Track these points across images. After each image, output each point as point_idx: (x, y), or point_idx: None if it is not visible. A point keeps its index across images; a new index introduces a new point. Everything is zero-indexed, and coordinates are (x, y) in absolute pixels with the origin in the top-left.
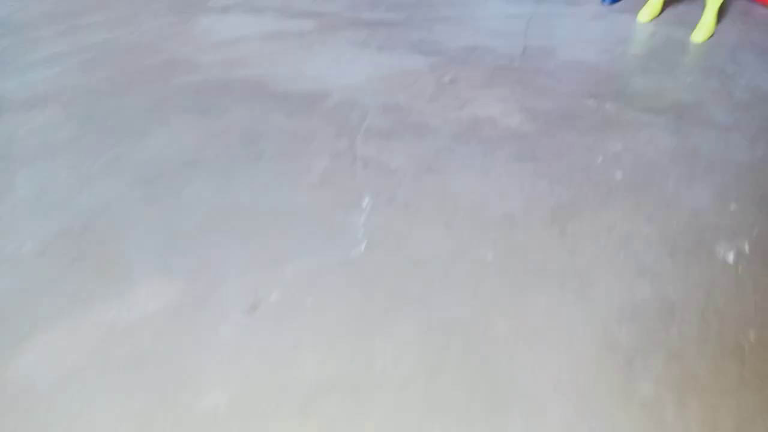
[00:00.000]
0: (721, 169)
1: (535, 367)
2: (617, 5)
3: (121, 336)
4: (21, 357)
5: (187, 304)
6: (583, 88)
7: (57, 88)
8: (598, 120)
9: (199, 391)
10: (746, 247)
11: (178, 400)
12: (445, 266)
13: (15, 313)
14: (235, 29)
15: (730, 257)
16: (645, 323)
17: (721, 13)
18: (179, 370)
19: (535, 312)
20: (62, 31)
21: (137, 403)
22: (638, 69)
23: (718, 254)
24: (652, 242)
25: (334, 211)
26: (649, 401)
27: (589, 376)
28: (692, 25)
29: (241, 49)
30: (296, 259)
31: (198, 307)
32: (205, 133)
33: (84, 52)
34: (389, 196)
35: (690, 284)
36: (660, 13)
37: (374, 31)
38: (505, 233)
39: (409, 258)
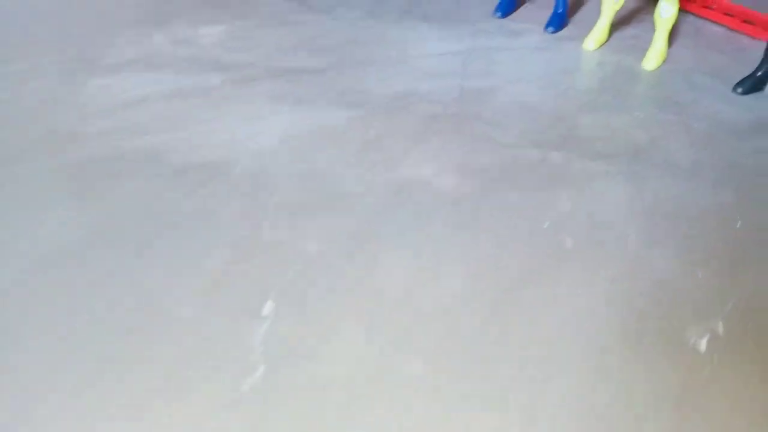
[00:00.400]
0: (684, 223)
1: None
2: (561, 33)
3: None
4: None
5: None
6: (527, 134)
7: None
8: (544, 174)
9: None
10: (720, 328)
11: None
12: (363, 388)
13: None
14: (131, 90)
15: (702, 344)
16: None
17: (673, 33)
18: None
19: None
20: None
21: None
22: (586, 106)
23: (689, 341)
24: (612, 329)
25: (226, 326)
26: None
27: None
28: (643, 51)
29: (136, 114)
30: (166, 406)
31: None
32: (85, 222)
33: None
34: (298, 297)
35: (659, 385)
36: (607, 39)
37: (294, 81)
38: (438, 333)
39: (318, 381)
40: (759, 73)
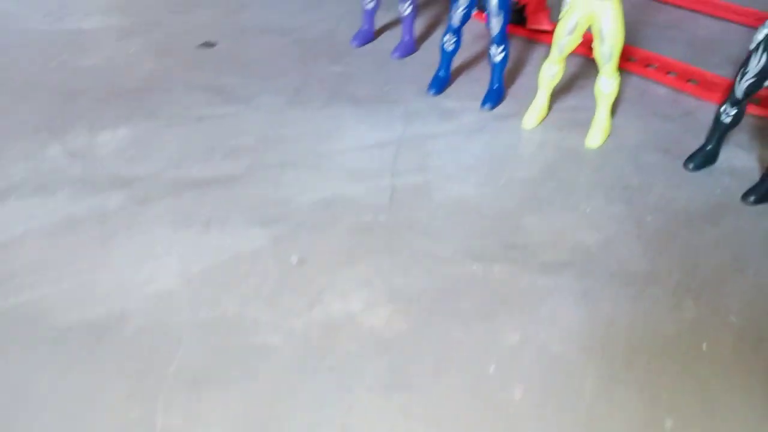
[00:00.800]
0: (645, 352)
1: None
2: (499, 109)
3: None
4: None
5: None
6: (466, 244)
7: None
8: (487, 296)
9: None
10: None
11: None
12: None
13: None
14: (9, 226)
15: None
16: None
17: (616, 97)
18: None
19: None
20: None
21: None
22: (529, 202)
23: None
24: None
25: None
26: None
27: None
28: (585, 124)
29: (10, 261)
30: None
31: None
32: None
33: None
34: None
35: None
36: (547, 113)
37: (203, 195)
38: None
39: None
40: (709, 147)
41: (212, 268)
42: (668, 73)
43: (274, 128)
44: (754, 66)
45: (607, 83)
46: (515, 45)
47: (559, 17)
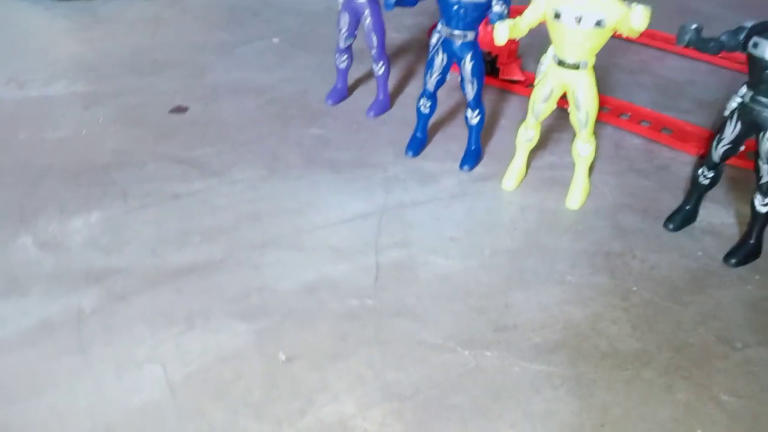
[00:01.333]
0: None
1: None
2: (478, 169)
3: None
4: None
5: None
6: (456, 328)
7: None
8: (480, 388)
9: None
10: None
11: None
12: None
13: None
14: None
15: None
16: None
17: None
18: None
19: None
20: None
21: None
22: (516, 275)
23: None
24: None
25: None
26: None
27: None
28: (563, 184)
29: None
30: None
31: None
32: None
33: None
34: None
35: None
36: (526, 173)
37: (181, 287)
38: None
39: None
40: (687, 207)
41: (197, 373)
42: (641, 122)
43: (253, 203)
44: (730, 133)
45: (584, 147)
46: (489, 96)
47: (535, 83)
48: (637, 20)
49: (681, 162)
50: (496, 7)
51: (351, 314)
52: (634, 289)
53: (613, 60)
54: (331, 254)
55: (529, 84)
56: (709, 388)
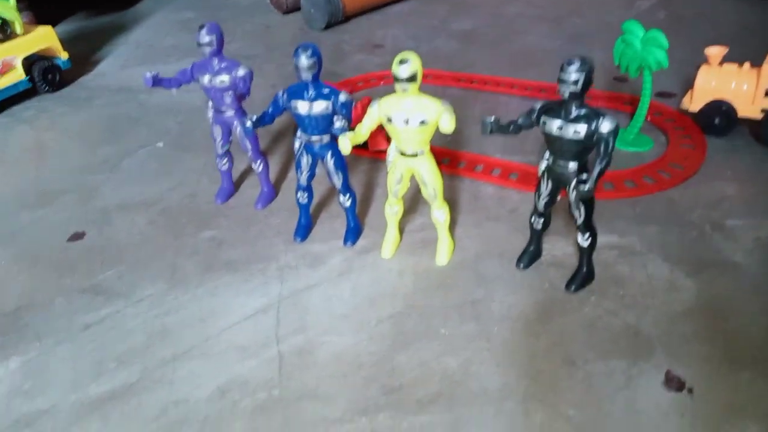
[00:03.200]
0: None
1: None
2: (360, 243)
3: None
4: None
5: None
6: (353, 399)
7: None
8: None
9: None
10: None
11: None
12: None
13: None
14: None
15: None
16: None
17: (453, 206)
18: None
19: None
20: None
21: None
22: (398, 339)
23: None
24: None
25: None
26: None
27: None
28: (434, 242)
29: None
30: None
31: None
32: None
33: None
34: None
35: None
36: (401, 239)
37: (106, 414)
38: None
39: None
40: (531, 247)
41: None
42: (492, 171)
43: (159, 319)
44: (545, 189)
45: (439, 213)
46: (362, 167)
47: (387, 170)
48: (445, 125)
49: (528, 202)
50: (337, 123)
51: (261, 408)
52: (495, 330)
53: (466, 112)
54: (238, 354)
55: None
56: (558, 406)
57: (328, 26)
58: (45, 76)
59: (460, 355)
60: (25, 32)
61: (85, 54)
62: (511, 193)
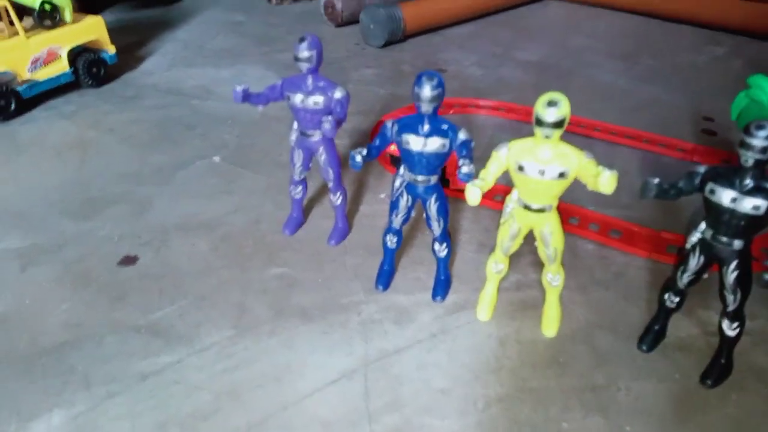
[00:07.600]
0: None
1: None
2: (451, 298)
3: None
4: None
5: None
6: None
7: None
8: None
9: None
10: None
11: None
12: None
13: None
14: None
15: None
16: None
17: None
18: None
19: None
20: None
21: None
22: (513, 429)
23: None
24: None
25: None
26: None
27: None
28: (535, 305)
29: None
30: None
31: None
32: None
33: None
34: None
35: None
36: (497, 299)
37: None
38: None
39: None
40: (656, 326)
41: None
42: (589, 225)
43: (228, 374)
44: (694, 265)
45: (554, 278)
46: None
47: (501, 222)
48: (605, 186)
49: (635, 267)
50: (464, 168)
51: None
52: (628, 429)
53: None
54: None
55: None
56: None
57: (387, 44)
58: (89, 69)
59: None
60: (74, 21)
61: (129, 48)
62: (614, 254)
